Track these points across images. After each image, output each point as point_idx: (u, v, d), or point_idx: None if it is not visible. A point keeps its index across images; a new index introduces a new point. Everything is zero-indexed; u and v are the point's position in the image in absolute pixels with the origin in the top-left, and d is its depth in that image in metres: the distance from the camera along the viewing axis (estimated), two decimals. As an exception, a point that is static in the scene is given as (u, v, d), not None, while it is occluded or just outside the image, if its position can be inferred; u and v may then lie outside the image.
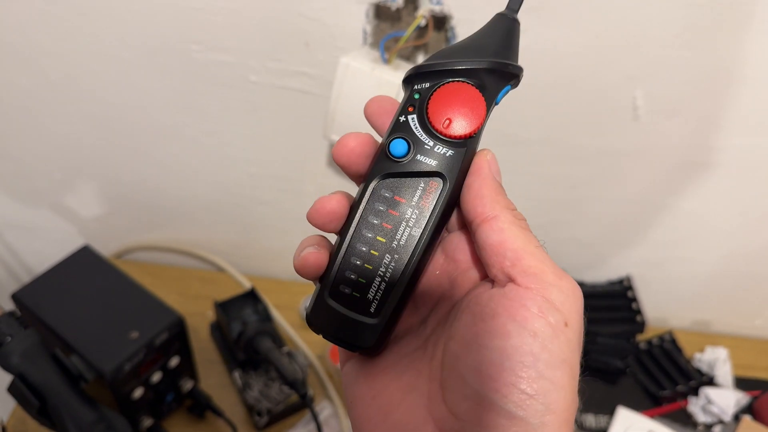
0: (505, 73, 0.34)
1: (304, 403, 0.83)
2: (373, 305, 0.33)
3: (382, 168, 0.33)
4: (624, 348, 0.95)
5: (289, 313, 0.98)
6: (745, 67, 0.75)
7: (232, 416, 0.83)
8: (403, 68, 0.73)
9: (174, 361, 0.77)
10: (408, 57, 0.76)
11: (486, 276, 0.33)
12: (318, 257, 0.33)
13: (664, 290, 1.05)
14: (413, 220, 0.33)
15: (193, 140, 0.90)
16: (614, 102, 0.79)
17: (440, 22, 0.72)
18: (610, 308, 0.98)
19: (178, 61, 0.80)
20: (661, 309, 1.07)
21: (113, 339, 0.71)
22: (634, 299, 0.98)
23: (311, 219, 0.33)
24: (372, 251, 0.33)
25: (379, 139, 0.35)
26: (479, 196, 0.32)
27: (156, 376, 0.75)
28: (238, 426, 0.83)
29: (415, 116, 0.33)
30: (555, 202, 0.93)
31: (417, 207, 0.33)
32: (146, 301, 0.76)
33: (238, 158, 0.92)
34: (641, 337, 0.98)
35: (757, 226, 0.94)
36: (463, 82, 0.33)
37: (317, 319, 0.34)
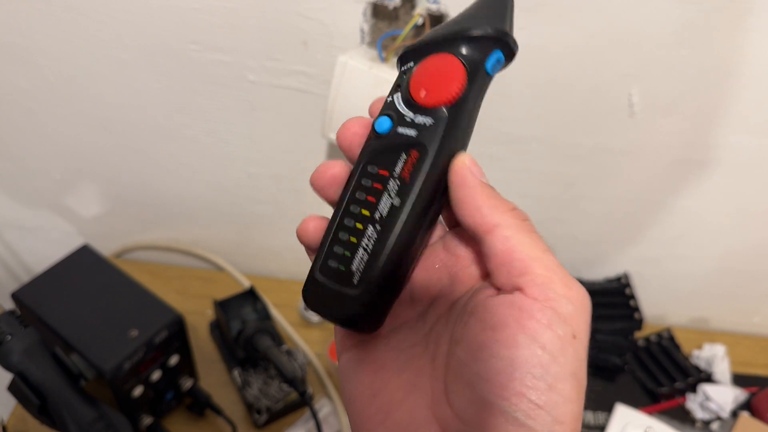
0: (486, 38, 0.33)
1: (303, 401, 0.84)
2: (355, 276, 0.33)
3: (369, 145, 0.34)
4: (622, 345, 0.95)
5: (288, 311, 0.99)
6: (741, 64, 0.75)
7: (231, 414, 0.83)
8: (401, 67, 0.73)
9: (173, 360, 0.77)
10: (405, 56, 0.76)
11: (487, 274, 0.33)
12: (317, 223, 0.34)
13: (662, 287, 1.05)
14: (394, 191, 0.33)
15: (192, 140, 0.90)
16: (610, 100, 0.80)
17: (437, 20, 0.72)
18: (608, 305, 0.98)
19: (176, 61, 0.80)
20: (660, 306, 1.07)
21: (113, 337, 0.71)
22: (631, 296, 0.98)
23: (313, 181, 0.35)
24: (357, 224, 0.33)
25: None
26: (475, 208, 0.32)
27: (156, 375, 0.75)
28: (238, 424, 0.83)
29: (399, 93, 0.34)
30: (552, 200, 0.93)
31: (398, 178, 0.33)
32: (145, 299, 0.76)
33: (237, 158, 0.92)
34: (639, 335, 0.99)
35: (754, 224, 0.95)
36: (444, 53, 0.33)
37: (308, 294, 0.34)
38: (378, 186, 0.33)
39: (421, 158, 0.32)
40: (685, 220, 0.95)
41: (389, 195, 0.33)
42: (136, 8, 0.76)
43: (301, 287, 0.34)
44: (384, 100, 0.35)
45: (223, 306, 0.89)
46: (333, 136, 0.76)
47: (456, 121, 0.33)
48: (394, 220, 0.32)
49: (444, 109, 0.33)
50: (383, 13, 0.73)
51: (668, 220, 0.95)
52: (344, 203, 0.33)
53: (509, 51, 0.34)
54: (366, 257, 0.32)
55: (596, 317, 0.94)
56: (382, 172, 0.33)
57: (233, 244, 1.06)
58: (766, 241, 0.97)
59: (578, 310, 0.29)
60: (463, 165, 0.33)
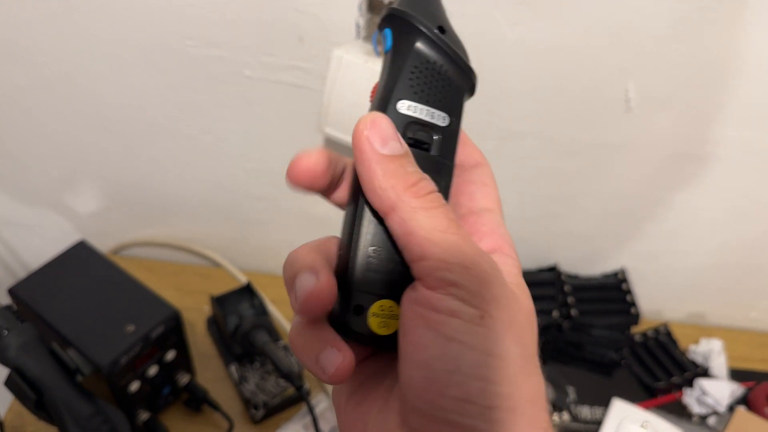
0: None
1: (300, 396, 0.84)
2: None
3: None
4: (619, 340, 0.95)
5: (285, 307, 0.99)
6: (736, 59, 0.75)
7: (228, 410, 0.83)
8: (397, 61, 0.73)
9: (170, 355, 0.77)
10: (401, 51, 0.76)
11: None
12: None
13: (659, 283, 1.05)
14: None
15: (189, 136, 0.90)
16: (606, 95, 0.80)
17: (433, 15, 0.72)
18: (604, 300, 0.98)
19: (173, 58, 0.80)
20: (657, 301, 1.07)
21: (109, 333, 0.71)
22: (628, 291, 0.99)
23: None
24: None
25: None
26: (371, 189, 0.29)
27: (152, 370, 0.75)
28: (235, 419, 0.83)
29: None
30: (548, 196, 0.94)
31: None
32: (142, 295, 0.77)
33: (234, 154, 0.92)
34: (637, 330, 0.99)
35: (750, 218, 0.95)
36: None
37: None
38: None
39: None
40: (681, 215, 0.95)
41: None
42: (133, 5, 0.76)
43: None
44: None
45: (220, 302, 0.89)
46: (329, 131, 0.76)
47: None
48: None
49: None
50: (378, 8, 0.73)
51: (665, 215, 0.95)
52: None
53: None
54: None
55: (593, 312, 0.95)
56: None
57: (230, 240, 1.06)
58: (762, 235, 0.97)
59: (481, 286, 0.28)
60: (360, 135, 0.29)
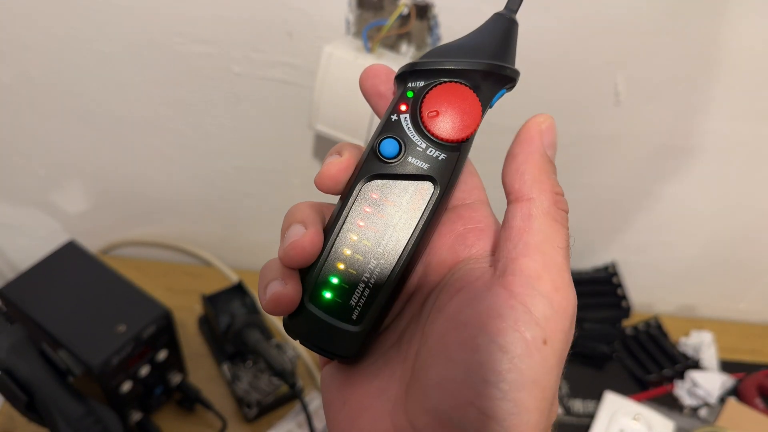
0: (502, 77, 0.32)
1: (293, 394, 0.83)
2: (355, 312, 0.31)
3: (371, 168, 0.32)
4: (610, 333, 0.96)
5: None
6: (722, 52, 0.76)
7: (221, 409, 0.83)
8: (386, 57, 0.73)
9: (162, 355, 0.76)
10: (391, 46, 0.76)
11: (460, 261, 0.32)
12: (286, 293, 0.30)
13: (649, 275, 1.06)
14: (401, 225, 0.31)
15: (178, 133, 0.89)
16: (595, 88, 0.80)
17: (422, 10, 0.72)
18: (595, 294, 0.99)
19: (160, 54, 0.80)
20: (647, 294, 1.07)
21: (100, 333, 0.71)
22: (619, 285, 0.99)
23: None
24: (357, 255, 0.31)
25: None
26: (520, 172, 0.30)
27: (144, 370, 0.75)
28: (228, 418, 0.83)
29: (407, 116, 0.32)
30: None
31: (406, 211, 0.31)
32: (133, 294, 0.76)
33: (223, 151, 0.92)
34: (628, 323, 0.99)
35: (738, 210, 0.95)
36: (458, 83, 0.31)
37: (295, 324, 0.32)
38: (382, 216, 0.31)
39: (431, 193, 0.31)
40: (670, 208, 0.95)
41: (394, 229, 0.31)
42: (119, 1, 0.75)
43: None
44: (384, 115, 0.33)
45: (212, 301, 0.89)
46: (320, 127, 0.76)
47: (463, 156, 0.32)
48: (399, 255, 0.31)
49: (456, 145, 0.31)
50: (368, 4, 0.73)
51: (654, 207, 0.95)
52: (340, 228, 0.32)
53: (512, 88, 0.33)
54: (367, 292, 0.31)
55: (584, 306, 0.96)
56: (387, 201, 0.31)
57: (221, 238, 1.06)
58: (750, 227, 0.97)
59: (557, 314, 0.27)
60: (537, 127, 0.31)
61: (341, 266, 0.31)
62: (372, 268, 0.31)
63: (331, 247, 0.31)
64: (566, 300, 0.27)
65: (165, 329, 0.75)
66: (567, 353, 0.28)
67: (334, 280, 0.31)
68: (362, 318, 0.31)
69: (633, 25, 0.74)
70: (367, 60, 0.70)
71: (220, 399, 0.85)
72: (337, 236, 0.31)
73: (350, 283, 0.31)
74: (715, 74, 0.78)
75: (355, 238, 0.31)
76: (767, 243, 1.00)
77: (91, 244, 1.00)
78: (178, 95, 0.84)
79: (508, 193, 0.30)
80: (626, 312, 0.97)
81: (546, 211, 0.29)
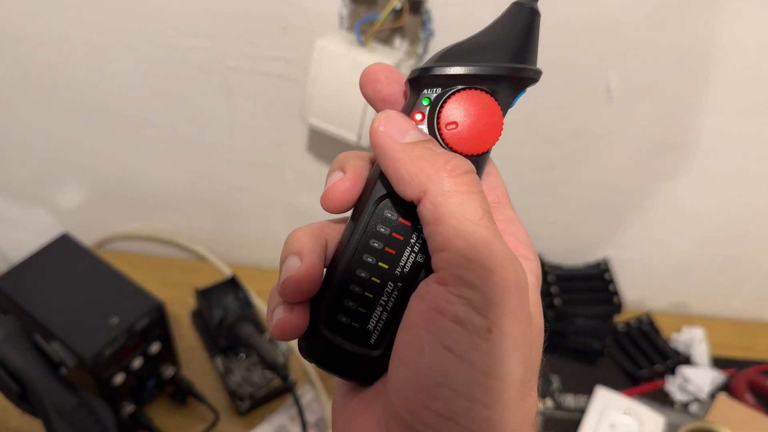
0: (525, 79, 0.30)
1: (286, 387, 0.84)
2: (373, 336, 0.30)
3: (386, 186, 0.29)
4: (602, 329, 0.96)
5: (270, 299, 0.99)
6: (714, 48, 0.76)
7: (214, 402, 0.83)
8: (379, 51, 0.73)
9: (155, 347, 0.77)
10: (384, 40, 0.77)
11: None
12: (292, 320, 0.29)
13: (641, 272, 1.06)
14: (419, 246, 0.29)
15: (172, 127, 0.90)
16: (588, 84, 0.80)
17: (416, 5, 0.73)
18: (588, 290, 0.99)
19: (154, 48, 0.80)
20: (639, 291, 1.08)
21: (93, 325, 0.71)
22: (611, 281, 0.99)
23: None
24: (373, 278, 0.30)
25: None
26: (399, 179, 0.27)
27: (137, 362, 0.75)
28: (221, 411, 0.83)
29: (424, 126, 0.30)
30: (531, 185, 0.94)
31: (423, 230, 0.29)
32: (126, 287, 0.76)
33: (217, 144, 0.92)
34: (619, 319, 1.00)
35: (731, 207, 0.96)
36: (479, 90, 0.29)
37: (310, 348, 0.31)
38: (399, 237, 0.29)
39: None
40: (663, 205, 0.96)
41: (412, 250, 0.30)
42: (113, -6, 0.75)
43: None
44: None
45: (205, 294, 0.89)
46: (313, 121, 0.76)
47: (482, 167, 0.31)
48: (415, 277, 0.29)
49: (476, 158, 0.30)
50: (362, -2, 0.74)
51: (647, 204, 0.96)
52: (354, 252, 0.30)
53: (533, 84, 0.31)
54: (385, 315, 0.30)
55: (576, 302, 0.96)
56: (403, 221, 0.30)
57: (214, 232, 1.06)
58: (743, 224, 0.98)
59: (498, 296, 0.25)
60: (377, 132, 0.28)
61: (357, 290, 0.30)
62: (390, 291, 0.30)
63: (346, 270, 0.30)
64: (504, 279, 0.25)
65: (158, 322, 0.75)
66: (532, 331, 0.27)
67: (351, 305, 0.30)
68: (381, 342, 0.30)
69: (625, 22, 0.74)
70: (360, 54, 0.70)
71: (212, 392, 0.86)
72: (352, 258, 0.30)
73: (368, 308, 0.30)
74: (707, 71, 0.79)
75: (370, 260, 0.30)
76: (759, 240, 1.01)
77: (85, 238, 1.00)
78: (173, 89, 0.85)
79: (415, 204, 0.28)
80: (618, 308, 0.97)
81: (445, 190, 0.26)
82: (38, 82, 0.85)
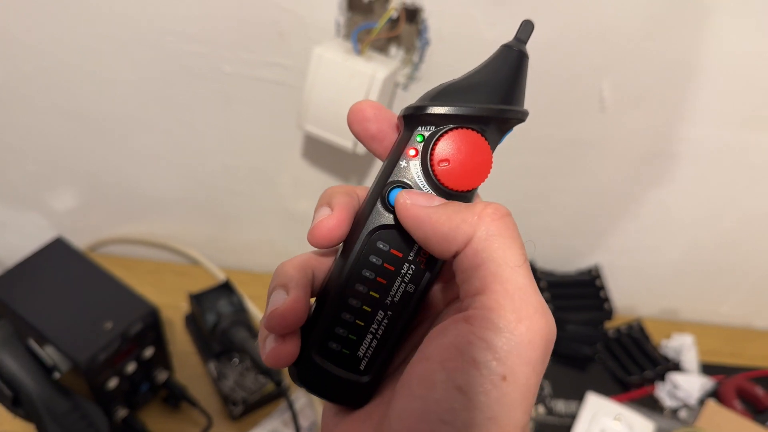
0: (512, 120, 0.32)
1: (279, 392, 0.84)
2: (363, 362, 0.31)
3: (378, 219, 0.31)
4: (592, 335, 0.97)
5: (263, 303, 0.99)
6: (705, 58, 0.77)
7: (207, 407, 0.83)
8: (375, 60, 0.74)
9: (148, 352, 0.77)
10: (380, 49, 0.77)
11: (450, 301, 0.31)
12: (283, 349, 0.30)
13: (632, 279, 1.07)
14: (409, 276, 0.31)
15: (167, 132, 0.90)
16: (581, 93, 0.81)
17: (412, 14, 0.73)
18: (579, 297, 1.00)
19: (151, 53, 0.80)
20: (631, 297, 1.09)
21: (87, 329, 0.71)
22: (602, 288, 1.00)
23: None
24: (364, 307, 0.31)
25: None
26: (440, 237, 0.28)
27: (130, 367, 0.75)
28: (214, 416, 0.83)
29: (417, 163, 0.31)
30: (524, 193, 0.95)
31: (414, 262, 0.31)
32: (120, 291, 0.76)
33: (212, 150, 0.92)
34: (610, 325, 1.00)
35: (721, 215, 0.97)
36: (470, 129, 0.30)
37: (301, 373, 0.32)
38: (390, 268, 0.31)
39: None
40: (654, 212, 0.97)
41: (402, 280, 0.31)
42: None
43: None
44: (389, 157, 0.31)
45: (199, 299, 0.89)
46: (309, 128, 0.77)
47: (472, 201, 0.32)
48: (406, 307, 0.31)
49: (465, 194, 0.31)
50: (358, 6, 0.74)
51: (638, 212, 0.97)
52: (347, 281, 0.31)
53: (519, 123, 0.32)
54: (375, 343, 0.31)
55: (567, 308, 0.97)
56: (395, 252, 0.31)
57: (208, 237, 1.06)
58: (732, 232, 0.99)
59: (520, 347, 0.25)
60: (406, 206, 0.29)
61: (348, 318, 0.31)
62: (380, 319, 0.31)
63: (338, 298, 0.31)
64: (531, 331, 0.26)
65: (152, 326, 0.75)
66: (539, 382, 0.27)
67: (342, 332, 0.31)
68: (370, 368, 0.31)
69: (618, 32, 0.75)
70: (356, 62, 0.71)
71: (206, 397, 0.86)
72: (344, 287, 0.31)
73: (358, 335, 0.31)
74: (698, 81, 0.80)
75: (362, 289, 0.31)
76: (749, 248, 1.02)
77: (79, 241, 1.00)
78: (169, 94, 0.85)
79: (461, 259, 0.28)
80: (609, 314, 0.98)
81: (489, 234, 0.27)
82: (34, 87, 0.85)
